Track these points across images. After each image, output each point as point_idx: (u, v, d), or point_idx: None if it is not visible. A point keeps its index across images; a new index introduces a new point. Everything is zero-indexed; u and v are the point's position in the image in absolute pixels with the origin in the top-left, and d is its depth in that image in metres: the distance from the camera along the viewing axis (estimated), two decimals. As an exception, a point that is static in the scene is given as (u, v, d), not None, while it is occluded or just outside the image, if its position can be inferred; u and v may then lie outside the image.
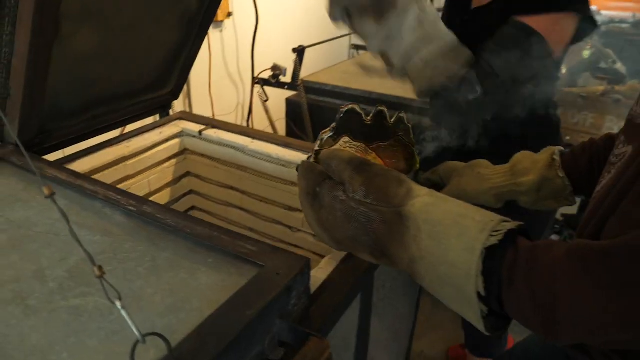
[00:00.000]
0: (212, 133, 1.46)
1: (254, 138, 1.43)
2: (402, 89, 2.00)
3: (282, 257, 0.75)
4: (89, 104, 1.22)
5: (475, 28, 1.13)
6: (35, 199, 0.93)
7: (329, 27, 3.00)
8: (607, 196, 0.63)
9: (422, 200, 0.58)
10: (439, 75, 0.96)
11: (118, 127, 1.41)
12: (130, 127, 1.46)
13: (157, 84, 1.42)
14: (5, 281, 0.72)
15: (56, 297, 0.70)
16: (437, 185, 0.92)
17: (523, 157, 0.85)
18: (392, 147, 0.77)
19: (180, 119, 1.55)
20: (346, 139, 0.72)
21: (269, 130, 2.32)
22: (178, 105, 2.04)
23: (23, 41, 0.93)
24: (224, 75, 2.23)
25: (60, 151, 1.26)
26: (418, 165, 0.79)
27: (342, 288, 0.83)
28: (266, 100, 2.18)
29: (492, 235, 0.51)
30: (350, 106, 0.71)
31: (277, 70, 2.12)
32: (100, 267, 0.51)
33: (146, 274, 0.75)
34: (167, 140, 1.46)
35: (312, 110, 2.08)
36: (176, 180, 1.55)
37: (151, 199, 1.47)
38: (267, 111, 2.21)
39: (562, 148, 0.83)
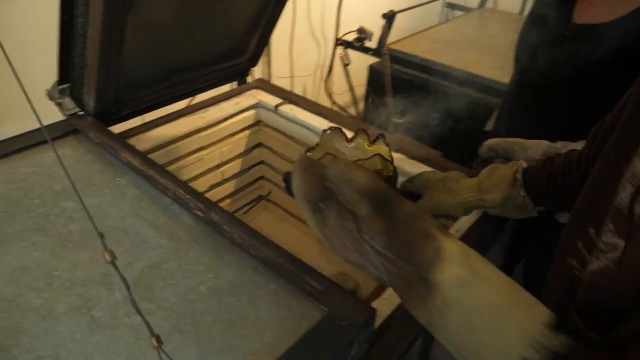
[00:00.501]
0: (288, 109, 1.39)
1: (332, 120, 1.35)
2: (493, 71, 1.81)
3: (347, 302, 0.70)
4: (165, 73, 1.19)
5: (585, 47, 0.95)
6: (109, 184, 0.93)
7: None
8: (607, 284, 0.57)
9: (454, 272, 0.48)
10: None
11: (195, 95, 1.38)
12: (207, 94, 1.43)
13: (235, 52, 1.35)
14: (75, 283, 0.73)
15: (120, 311, 0.70)
16: (413, 195, 0.97)
17: (490, 173, 0.90)
18: (372, 164, 0.73)
19: (257, 87, 1.49)
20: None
21: (347, 95, 2.22)
22: (259, 63, 1.98)
23: (96, 12, 0.90)
24: (306, 33, 2.12)
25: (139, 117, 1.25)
26: (397, 185, 0.78)
27: (405, 332, 0.77)
28: (347, 64, 2.06)
29: (533, 348, 0.44)
30: (334, 127, 0.71)
31: (362, 33, 1.97)
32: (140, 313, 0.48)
33: (208, 295, 0.73)
34: (242, 111, 1.42)
35: (395, 81, 1.95)
36: (248, 150, 1.52)
37: (223, 169, 1.46)
38: (347, 75, 2.10)
39: (525, 165, 0.87)
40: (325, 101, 2.34)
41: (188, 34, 1.12)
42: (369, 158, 0.66)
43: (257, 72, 1.99)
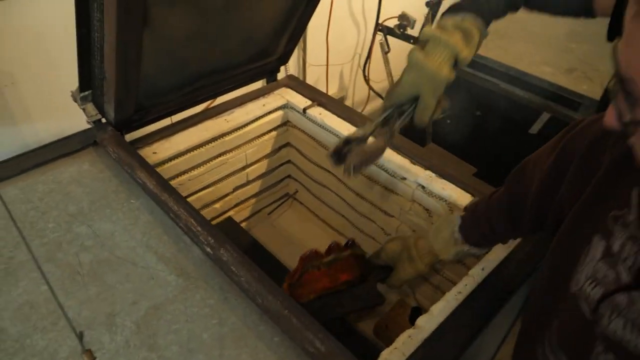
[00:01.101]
0: (316, 114, 1.33)
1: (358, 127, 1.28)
2: (542, 68, 1.66)
3: (351, 369, 0.66)
4: (187, 80, 1.15)
5: None
6: (123, 207, 0.92)
7: None
8: None
9: None
10: None
11: (222, 95, 1.34)
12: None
13: (263, 53, 1.29)
14: (80, 324, 0.73)
15: (120, 359, 0.69)
16: (387, 267, 1.03)
17: (436, 236, 0.93)
18: (347, 259, 1.01)
19: (287, 86, 1.43)
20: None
21: (386, 83, 2.11)
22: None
23: (110, 31, 0.86)
24: (345, 16, 2.01)
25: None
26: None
27: (416, 392, 0.74)
28: (387, 52, 1.95)
29: None
30: (310, 251, 0.98)
31: (404, 20, 1.85)
32: None
33: (210, 345, 0.71)
34: (269, 113, 1.37)
35: (436, 73, 1.82)
36: (275, 151, 1.48)
37: (248, 170, 1.43)
38: (386, 63, 1.99)
39: (459, 221, 0.91)
40: (361, 87, 2.24)
41: (209, 44, 1.06)
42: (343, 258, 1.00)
43: (291, 59, 1.92)
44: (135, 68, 0.95)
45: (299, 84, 1.44)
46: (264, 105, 1.36)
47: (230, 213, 1.47)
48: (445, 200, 1.12)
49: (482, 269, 0.94)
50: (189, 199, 1.31)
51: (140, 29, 0.87)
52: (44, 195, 0.93)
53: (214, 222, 1.42)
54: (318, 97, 1.38)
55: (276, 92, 1.41)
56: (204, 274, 0.81)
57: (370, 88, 2.12)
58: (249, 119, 1.32)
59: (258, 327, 0.74)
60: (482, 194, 1.10)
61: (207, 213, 1.39)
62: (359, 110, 2.35)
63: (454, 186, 1.12)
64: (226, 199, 1.42)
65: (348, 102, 2.35)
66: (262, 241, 1.50)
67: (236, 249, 0.82)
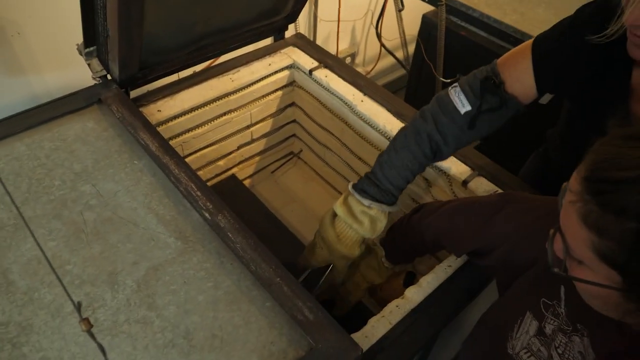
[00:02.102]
0: (322, 76, 1.32)
1: (366, 94, 1.27)
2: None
3: (336, 338, 0.70)
4: (192, 38, 1.14)
5: None
6: (126, 167, 0.95)
7: None
8: None
9: None
10: None
11: (227, 53, 1.32)
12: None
13: (270, 12, 1.26)
14: (84, 281, 0.77)
15: (121, 316, 0.74)
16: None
17: (339, 245, 0.96)
18: None
19: (295, 45, 1.41)
20: None
21: (397, 41, 2.06)
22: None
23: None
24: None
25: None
26: None
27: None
28: (401, 10, 1.89)
29: None
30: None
31: (420, -24, 1.78)
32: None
33: (205, 307, 0.76)
34: (275, 72, 1.36)
35: (450, 36, 1.78)
36: (280, 110, 1.48)
37: (252, 129, 1.44)
38: (399, 22, 1.93)
39: (383, 253, 1.02)
40: (373, 44, 2.19)
41: (213, 4, 1.04)
42: None
43: (302, 13, 1.87)
44: (138, 27, 0.95)
45: (306, 43, 1.42)
46: (269, 64, 1.35)
47: (234, 170, 1.50)
48: (445, 173, 1.13)
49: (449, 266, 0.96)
50: (193, 156, 1.33)
51: (143, -11, 0.85)
52: (50, 153, 0.95)
53: (217, 179, 1.45)
54: (325, 59, 1.36)
55: (283, 51, 1.39)
56: (201, 238, 0.84)
57: (383, 45, 2.07)
58: (254, 79, 1.31)
59: (251, 292, 0.78)
60: (481, 169, 1.10)
61: (211, 170, 1.42)
62: (370, 68, 2.31)
63: (454, 158, 1.13)
64: (230, 156, 1.44)
65: (359, 59, 2.30)
66: (264, 198, 1.54)
67: (234, 215, 0.85)
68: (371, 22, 2.14)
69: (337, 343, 0.70)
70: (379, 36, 2.04)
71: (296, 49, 1.40)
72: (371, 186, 0.89)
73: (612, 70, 0.75)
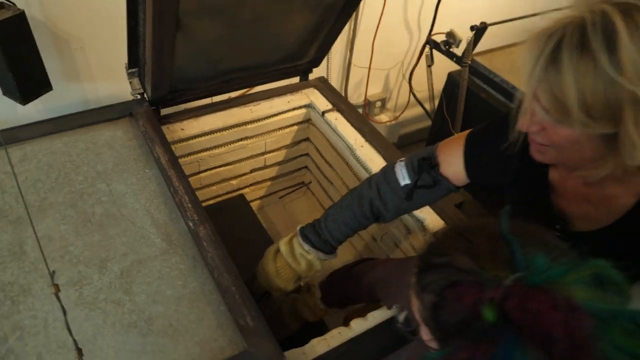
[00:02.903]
0: (333, 118, 1.46)
1: (367, 140, 1.40)
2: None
3: (267, 345, 0.82)
4: (218, 73, 1.31)
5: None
6: (138, 174, 1.12)
7: None
8: None
9: None
10: None
11: (252, 87, 1.50)
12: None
13: (293, 57, 1.42)
14: (80, 261, 0.94)
15: (101, 294, 0.89)
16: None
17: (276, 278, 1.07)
18: None
19: (315, 87, 1.57)
20: None
21: (426, 93, 2.18)
22: (339, 48, 2.02)
23: (148, 30, 1.03)
24: (399, 23, 2.08)
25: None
26: None
27: (325, 378, 0.88)
28: (430, 65, 2.01)
29: None
30: None
31: (450, 38, 1.89)
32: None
33: (170, 301, 0.90)
34: (292, 109, 1.51)
35: (470, 96, 1.88)
36: (295, 143, 1.63)
37: (266, 156, 1.60)
38: (429, 75, 2.06)
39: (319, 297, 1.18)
40: (404, 93, 2.32)
41: (238, 47, 1.21)
42: None
43: (337, 57, 2.04)
44: (168, 60, 1.13)
45: (326, 87, 1.57)
46: (288, 102, 1.51)
47: (246, 190, 1.66)
48: (421, 222, 1.23)
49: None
50: (208, 172, 1.50)
51: (173, 32, 1.04)
52: (81, 152, 1.14)
53: (228, 196, 1.61)
54: (339, 103, 1.51)
55: (304, 91, 1.55)
56: (183, 243, 0.99)
57: (413, 94, 2.20)
58: (271, 113, 1.47)
59: (211, 295, 0.91)
60: (454, 223, 1.19)
61: (223, 187, 1.58)
62: (398, 113, 2.44)
63: (431, 211, 1.22)
64: (243, 177, 1.60)
65: (390, 104, 2.43)
66: (269, 220, 1.68)
67: (213, 229, 0.99)
68: (402, 72, 2.27)
69: (267, 350, 0.81)
70: (410, 87, 2.17)
71: (316, 91, 1.56)
72: (313, 234, 1.00)
73: (528, 171, 0.80)
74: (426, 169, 0.90)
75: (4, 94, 1.28)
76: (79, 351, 0.66)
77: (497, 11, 2.03)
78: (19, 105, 1.31)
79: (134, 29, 1.11)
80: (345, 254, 1.62)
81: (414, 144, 2.63)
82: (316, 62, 1.52)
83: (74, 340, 0.64)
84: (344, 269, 1.12)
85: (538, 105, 0.64)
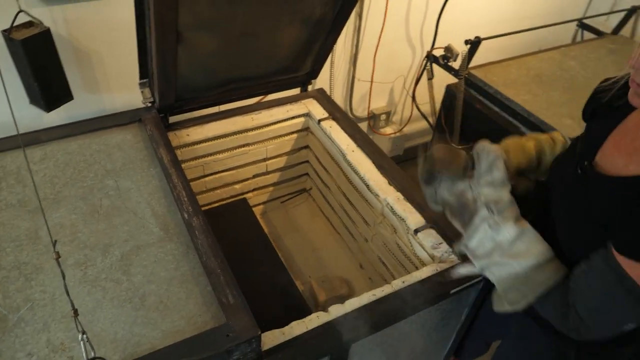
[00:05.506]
0: (328, 126, 1.56)
1: (358, 145, 1.49)
2: (564, 120, 1.73)
3: (244, 319, 0.91)
4: (220, 82, 1.43)
5: (582, 190, 0.88)
6: (143, 172, 1.24)
7: (550, 8, 2.56)
8: None
9: None
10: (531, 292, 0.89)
11: (254, 97, 1.61)
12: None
13: (290, 69, 1.54)
14: (87, 245, 1.06)
15: (103, 274, 1.00)
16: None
17: None
18: None
19: (314, 97, 1.68)
20: None
21: (428, 106, 2.27)
22: (343, 62, 2.13)
23: (153, 42, 1.15)
24: (400, 39, 2.19)
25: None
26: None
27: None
28: (430, 78, 2.10)
29: None
30: None
31: (448, 52, 1.98)
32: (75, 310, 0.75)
33: (163, 281, 1.00)
34: (290, 118, 1.62)
35: (467, 107, 1.95)
36: (295, 150, 1.74)
37: (267, 162, 1.71)
38: (430, 88, 2.15)
39: None
40: (409, 106, 2.41)
41: (234, 59, 1.34)
42: None
43: (341, 72, 2.15)
44: (172, 70, 1.26)
45: (324, 98, 1.68)
46: (287, 111, 1.62)
47: (249, 195, 1.76)
48: (404, 221, 1.31)
49: (403, 282, 1.13)
50: (212, 177, 1.62)
51: (174, 45, 1.17)
52: (94, 153, 1.28)
53: (232, 200, 1.72)
54: (335, 112, 1.61)
55: (303, 101, 1.66)
56: (178, 232, 1.10)
57: (417, 108, 2.29)
58: (271, 121, 1.59)
59: (200, 277, 1.01)
60: (434, 222, 1.27)
61: (227, 191, 1.69)
62: (402, 126, 2.52)
63: (414, 211, 1.30)
64: (246, 182, 1.71)
65: (396, 117, 2.53)
66: (271, 224, 1.78)
67: (205, 220, 1.10)
68: (404, 86, 2.37)
69: (243, 323, 0.91)
70: (413, 100, 2.26)
71: (314, 101, 1.67)
72: None
73: (615, 113, 0.87)
74: None
75: (31, 102, 1.44)
76: (75, 311, 0.77)
77: (498, 27, 2.11)
78: (44, 113, 1.47)
79: (143, 43, 1.25)
80: (341, 258, 1.70)
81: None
82: (314, 74, 1.64)
83: (71, 301, 0.75)
84: None
85: None
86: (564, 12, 2.47)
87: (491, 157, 0.93)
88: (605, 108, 0.90)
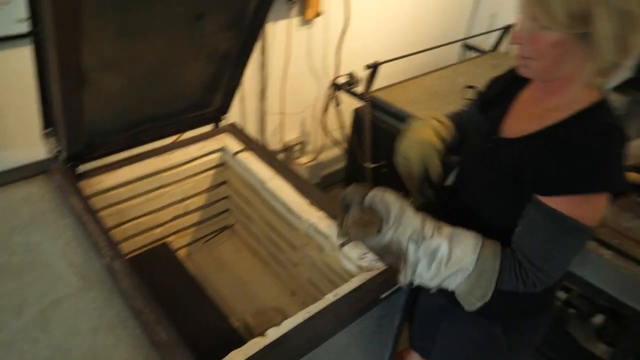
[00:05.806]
0: (244, 158, 1.59)
1: (277, 172, 1.53)
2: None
3: (181, 356, 0.89)
4: (130, 124, 1.42)
5: (497, 159, 1.00)
6: (54, 223, 1.18)
7: (436, 33, 2.81)
8: None
9: None
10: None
11: (166, 137, 1.61)
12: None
13: (199, 105, 1.56)
14: (-4, 308, 0.98)
15: (18, 335, 0.93)
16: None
17: None
18: None
19: (228, 132, 1.70)
20: None
21: (338, 132, 2.37)
22: (252, 97, 2.18)
23: (56, 89, 1.12)
24: (305, 71, 2.29)
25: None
26: None
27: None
28: (337, 105, 2.21)
29: None
30: None
31: (352, 78, 2.11)
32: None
33: (86, 334, 0.95)
34: (206, 154, 1.63)
35: (375, 128, 2.07)
36: (214, 187, 1.74)
37: (187, 202, 1.68)
38: (338, 115, 2.25)
39: None
40: (321, 134, 2.51)
41: (142, 98, 1.34)
42: None
43: (252, 108, 2.20)
44: (78, 115, 1.22)
45: (237, 131, 1.71)
46: (202, 147, 1.62)
47: (171, 238, 1.72)
48: (328, 239, 1.34)
49: (335, 295, 1.15)
50: (130, 223, 1.57)
51: (78, 88, 1.14)
52: (-3, 210, 1.20)
53: (152, 246, 1.67)
54: (250, 144, 1.64)
55: (217, 137, 1.68)
56: (99, 279, 1.05)
57: (327, 136, 2.38)
58: (186, 159, 1.58)
59: (127, 320, 0.97)
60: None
61: (147, 237, 1.64)
62: (317, 154, 2.61)
63: (323, 216, 1.35)
64: (166, 225, 1.67)
65: (310, 147, 2.61)
66: (197, 266, 1.74)
67: (126, 263, 1.06)
68: (313, 115, 2.46)
69: (180, 358, 0.88)
70: (323, 128, 2.36)
71: (228, 136, 1.69)
72: None
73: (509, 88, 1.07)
74: None
75: None
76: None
77: (395, 53, 2.26)
78: None
79: (44, 89, 1.21)
80: (272, 289, 1.70)
81: (337, 184, 2.80)
82: (224, 110, 1.67)
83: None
84: None
85: (527, 16, 0.84)
86: (448, 35, 2.72)
87: (393, 206, 0.99)
88: (497, 97, 1.09)
